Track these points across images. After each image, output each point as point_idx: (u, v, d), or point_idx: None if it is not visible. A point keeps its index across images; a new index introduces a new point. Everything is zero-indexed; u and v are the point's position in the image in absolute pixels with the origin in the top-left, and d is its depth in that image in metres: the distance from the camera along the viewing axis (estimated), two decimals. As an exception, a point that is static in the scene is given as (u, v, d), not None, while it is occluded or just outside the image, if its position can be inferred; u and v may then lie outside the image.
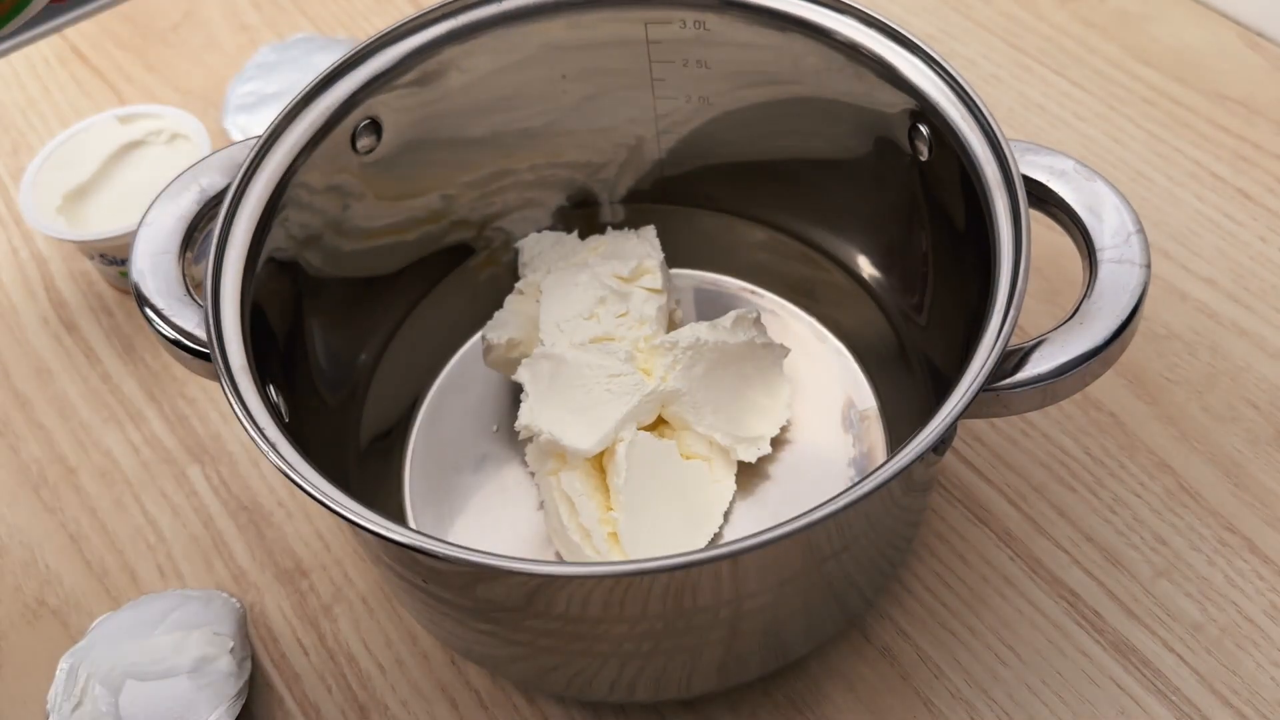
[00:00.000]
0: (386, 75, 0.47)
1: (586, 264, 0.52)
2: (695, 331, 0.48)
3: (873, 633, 0.48)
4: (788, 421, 0.51)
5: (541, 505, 0.50)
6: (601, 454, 0.47)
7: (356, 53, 0.47)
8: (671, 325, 0.53)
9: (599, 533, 0.45)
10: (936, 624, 0.48)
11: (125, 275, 0.61)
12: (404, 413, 0.54)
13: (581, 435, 0.46)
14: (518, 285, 0.53)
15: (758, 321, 0.51)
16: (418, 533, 0.35)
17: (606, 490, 0.47)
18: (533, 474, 0.50)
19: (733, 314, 0.50)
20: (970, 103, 0.43)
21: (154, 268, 0.43)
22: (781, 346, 0.51)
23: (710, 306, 0.56)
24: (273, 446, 0.37)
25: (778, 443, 0.51)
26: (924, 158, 0.46)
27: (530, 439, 0.49)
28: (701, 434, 0.48)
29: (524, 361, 0.49)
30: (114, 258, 0.60)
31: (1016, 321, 0.37)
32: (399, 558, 0.40)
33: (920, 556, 0.50)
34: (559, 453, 0.47)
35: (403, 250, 0.53)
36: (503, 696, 0.47)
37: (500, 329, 0.52)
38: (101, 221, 0.60)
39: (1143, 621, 0.47)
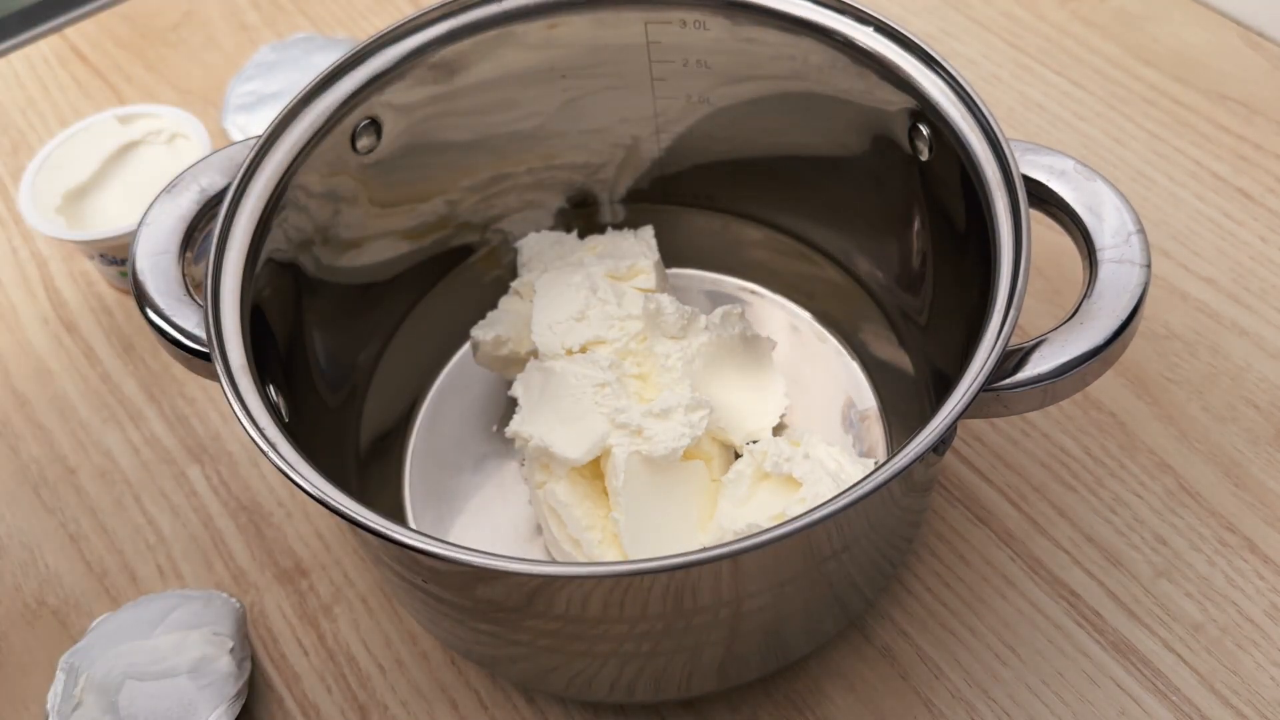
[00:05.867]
0: (386, 75, 0.47)
1: (582, 263, 0.52)
2: (689, 329, 0.49)
3: (873, 633, 0.48)
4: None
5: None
6: (591, 462, 0.47)
7: (356, 52, 0.47)
8: (666, 325, 0.53)
9: (589, 539, 0.45)
10: (937, 624, 0.48)
11: (125, 275, 0.61)
12: (404, 413, 0.54)
13: (571, 444, 0.46)
14: (513, 285, 0.54)
15: (743, 316, 0.51)
16: (418, 533, 0.35)
17: (596, 497, 0.47)
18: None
19: (719, 310, 0.50)
20: (970, 102, 0.43)
21: (154, 268, 0.42)
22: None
23: (710, 306, 0.56)
24: (273, 446, 0.37)
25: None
26: (924, 157, 0.46)
27: (523, 447, 0.49)
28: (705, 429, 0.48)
29: (518, 376, 0.49)
30: (114, 258, 0.60)
31: (1016, 321, 0.37)
32: (399, 558, 0.40)
33: (920, 557, 0.50)
34: (545, 463, 0.47)
35: (402, 256, 0.53)
36: (503, 696, 0.47)
37: (488, 327, 0.52)
38: (101, 221, 0.60)
39: (1143, 621, 0.47)
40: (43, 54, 0.76)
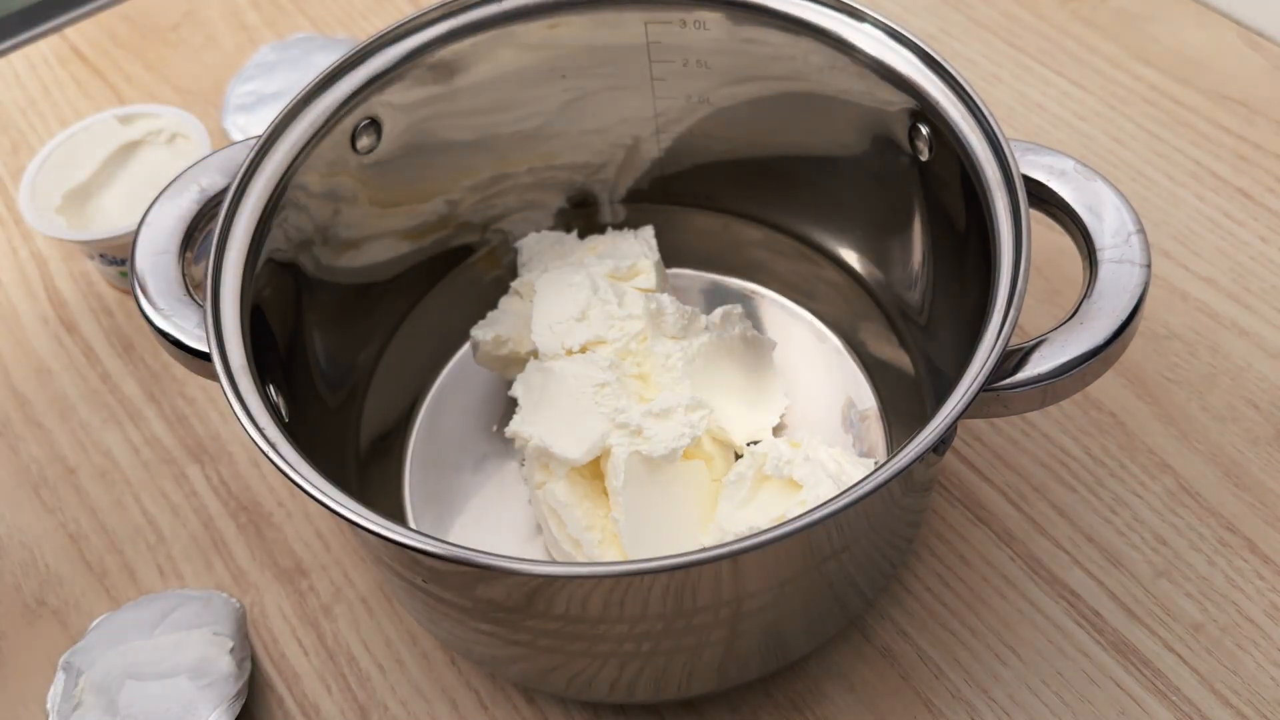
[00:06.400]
0: (386, 75, 0.47)
1: (582, 263, 0.52)
2: (689, 329, 0.49)
3: (873, 633, 0.48)
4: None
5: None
6: (591, 462, 0.47)
7: (356, 52, 0.47)
8: (667, 325, 0.53)
9: (589, 540, 0.45)
10: (937, 624, 0.48)
11: (125, 275, 0.61)
12: (404, 413, 0.54)
13: (571, 444, 0.46)
14: (513, 285, 0.54)
15: (744, 316, 0.51)
16: (418, 533, 0.35)
17: (597, 496, 0.47)
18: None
19: (719, 310, 0.50)
20: (970, 102, 0.43)
21: (154, 268, 0.43)
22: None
23: (710, 306, 0.56)
24: (273, 446, 0.37)
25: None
26: (924, 157, 0.46)
27: (523, 447, 0.49)
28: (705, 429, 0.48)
29: (518, 376, 0.49)
30: (114, 258, 0.60)
31: (1016, 321, 0.37)
32: (399, 558, 0.40)
33: (920, 556, 0.50)
34: (545, 463, 0.47)
35: (402, 256, 0.53)
36: (503, 696, 0.47)
37: (488, 327, 0.52)
38: (101, 221, 0.60)
39: (1143, 621, 0.47)
40: (43, 54, 0.76)
